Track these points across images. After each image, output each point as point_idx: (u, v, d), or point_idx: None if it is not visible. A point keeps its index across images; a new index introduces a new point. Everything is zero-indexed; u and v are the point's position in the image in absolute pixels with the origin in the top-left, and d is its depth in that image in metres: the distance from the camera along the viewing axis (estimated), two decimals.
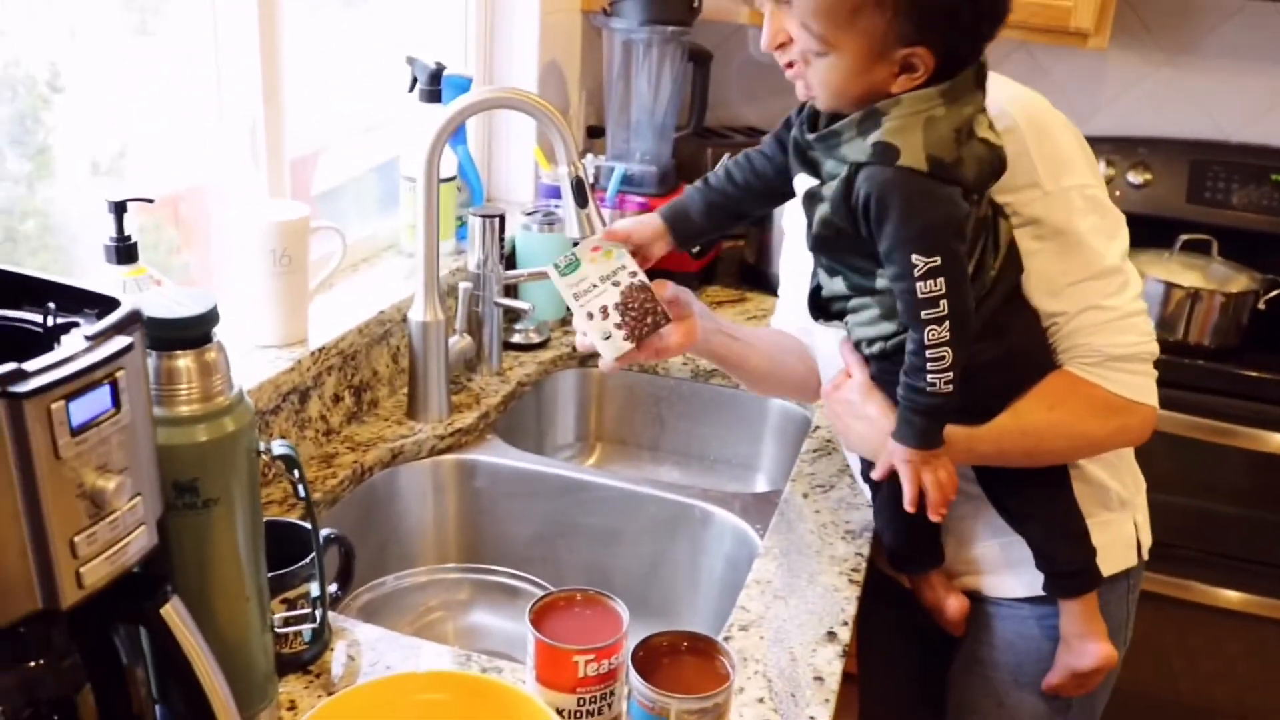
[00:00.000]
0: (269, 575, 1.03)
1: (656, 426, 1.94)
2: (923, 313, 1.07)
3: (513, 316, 1.85)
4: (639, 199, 2.00)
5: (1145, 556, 1.41)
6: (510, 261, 1.91)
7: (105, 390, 0.72)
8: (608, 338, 1.22)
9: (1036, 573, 1.31)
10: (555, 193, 1.98)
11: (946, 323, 1.07)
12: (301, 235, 1.41)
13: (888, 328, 1.17)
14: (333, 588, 1.19)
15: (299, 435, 1.45)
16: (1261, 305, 2.13)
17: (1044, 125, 1.18)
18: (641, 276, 1.24)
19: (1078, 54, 2.33)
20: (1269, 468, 2.10)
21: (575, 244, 1.29)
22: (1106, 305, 1.19)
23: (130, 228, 1.20)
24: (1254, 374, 2.09)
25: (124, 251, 1.18)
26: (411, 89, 1.81)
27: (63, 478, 0.70)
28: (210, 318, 0.87)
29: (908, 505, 1.19)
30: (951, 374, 1.09)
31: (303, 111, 1.65)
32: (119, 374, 0.73)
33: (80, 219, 1.31)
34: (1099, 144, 2.45)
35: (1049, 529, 1.28)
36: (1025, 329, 1.21)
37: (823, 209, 1.11)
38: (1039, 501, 1.26)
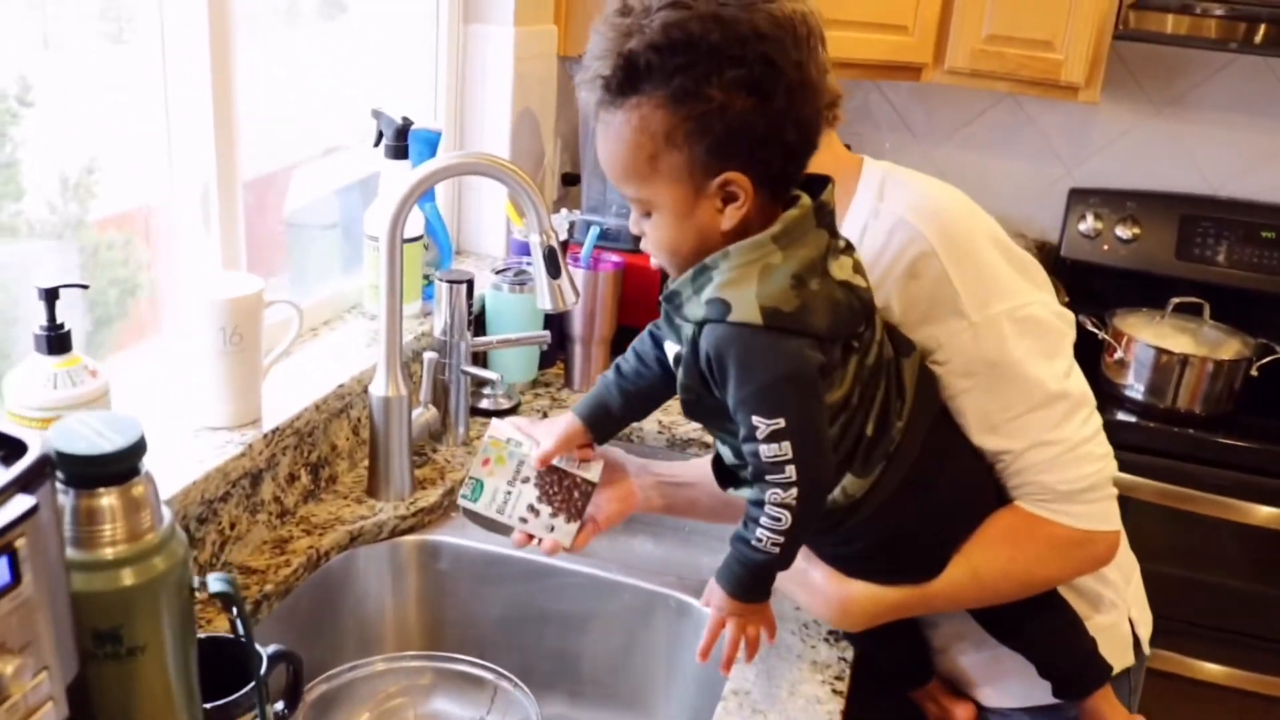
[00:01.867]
0: (208, 707, 0.95)
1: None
2: (768, 476, 0.99)
3: (481, 381, 1.77)
4: (615, 255, 1.93)
5: (1146, 651, 1.34)
6: (479, 324, 1.83)
7: (2, 563, 0.64)
8: (553, 530, 1.18)
9: (1029, 681, 1.24)
10: (527, 249, 1.89)
11: (794, 489, 0.98)
12: (254, 312, 1.32)
13: None
14: (279, 706, 1.11)
15: (250, 520, 1.37)
16: (1254, 372, 2.08)
17: (963, 244, 1.09)
18: (538, 470, 1.19)
19: (1066, 104, 2.27)
20: (1259, 540, 2.05)
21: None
22: (1054, 439, 1.10)
23: (62, 314, 1.11)
24: (1245, 444, 2.04)
25: (55, 341, 1.10)
26: (377, 144, 1.73)
27: None
28: (136, 450, 0.79)
29: (698, 655, 1.13)
30: (784, 539, 1.01)
31: (262, 130, 1.58)
32: (19, 542, 0.65)
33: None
34: (1088, 196, 2.40)
35: (1041, 637, 1.22)
36: (958, 473, 1.13)
37: (681, 372, 1.04)
38: (1026, 616, 1.19)
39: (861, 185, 1.16)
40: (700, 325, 0.99)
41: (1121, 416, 2.07)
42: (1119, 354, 2.11)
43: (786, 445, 0.96)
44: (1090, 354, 2.19)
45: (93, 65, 1.36)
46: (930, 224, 1.09)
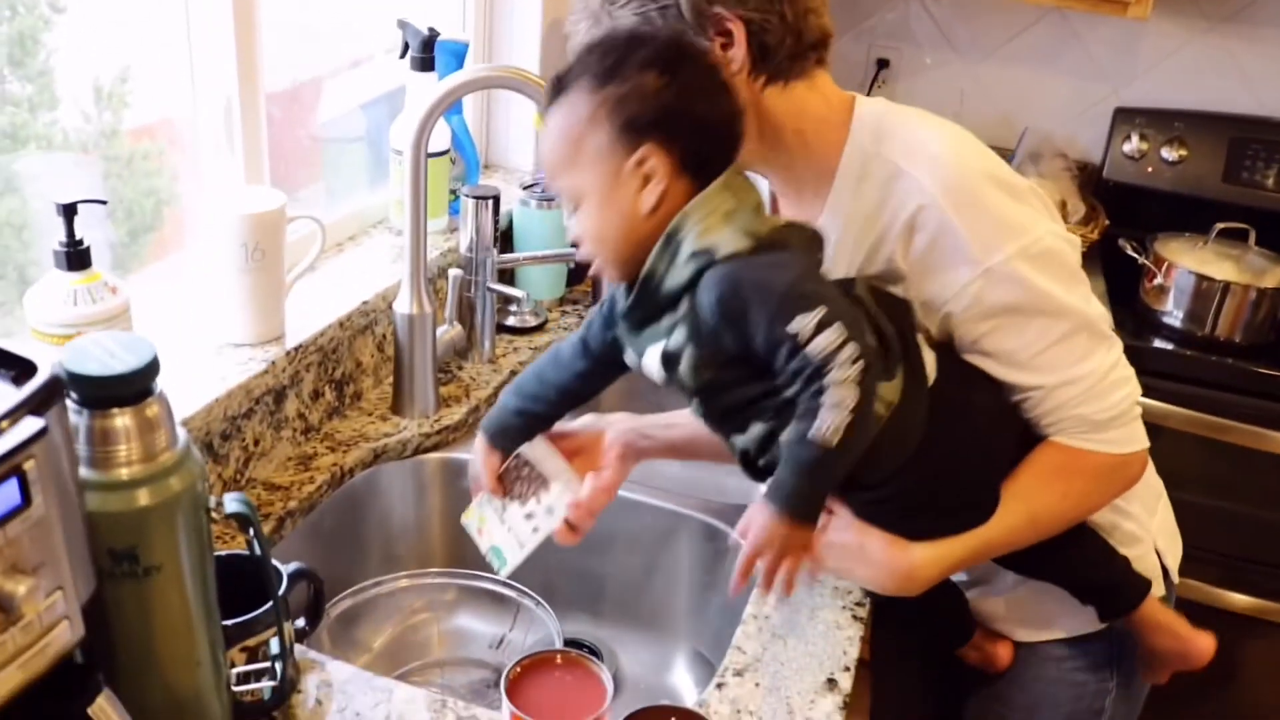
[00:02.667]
0: (227, 624, 0.95)
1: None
2: (828, 370, 0.91)
3: (507, 298, 1.75)
4: None
5: (1175, 579, 1.33)
6: (506, 240, 1.81)
7: (12, 485, 0.63)
8: (551, 510, 1.16)
9: (1063, 612, 1.25)
10: None
11: (859, 363, 0.91)
12: (276, 228, 1.31)
13: None
14: (300, 622, 1.11)
15: (275, 436, 1.37)
16: None
17: (965, 189, 1.05)
18: (510, 505, 1.18)
19: (1114, 19, 2.19)
20: None
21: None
22: (1084, 373, 1.08)
23: (83, 223, 1.10)
24: None
25: (75, 257, 1.09)
26: (403, 55, 1.69)
27: None
28: (149, 370, 0.78)
29: (731, 589, 1.06)
30: (851, 420, 0.92)
31: (285, 40, 1.56)
32: (28, 464, 0.64)
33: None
34: (1133, 115, 2.33)
35: (1074, 565, 1.20)
36: (986, 403, 1.11)
37: (689, 356, 0.99)
38: (1056, 549, 1.17)
39: (854, 128, 1.11)
40: (693, 283, 0.96)
41: (1158, 344, 2.03)
42: (1158, 279, 2.05)
43: (838, 327, 0.91)
44: (1129, 279, 2.14)
45: None
46: (928, 172, 1.05)
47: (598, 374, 1.15)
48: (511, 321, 1.78)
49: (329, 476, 1.38)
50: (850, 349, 0.91)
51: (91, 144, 1.34)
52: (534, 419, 1.17)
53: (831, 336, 0.91)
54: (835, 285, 1.02)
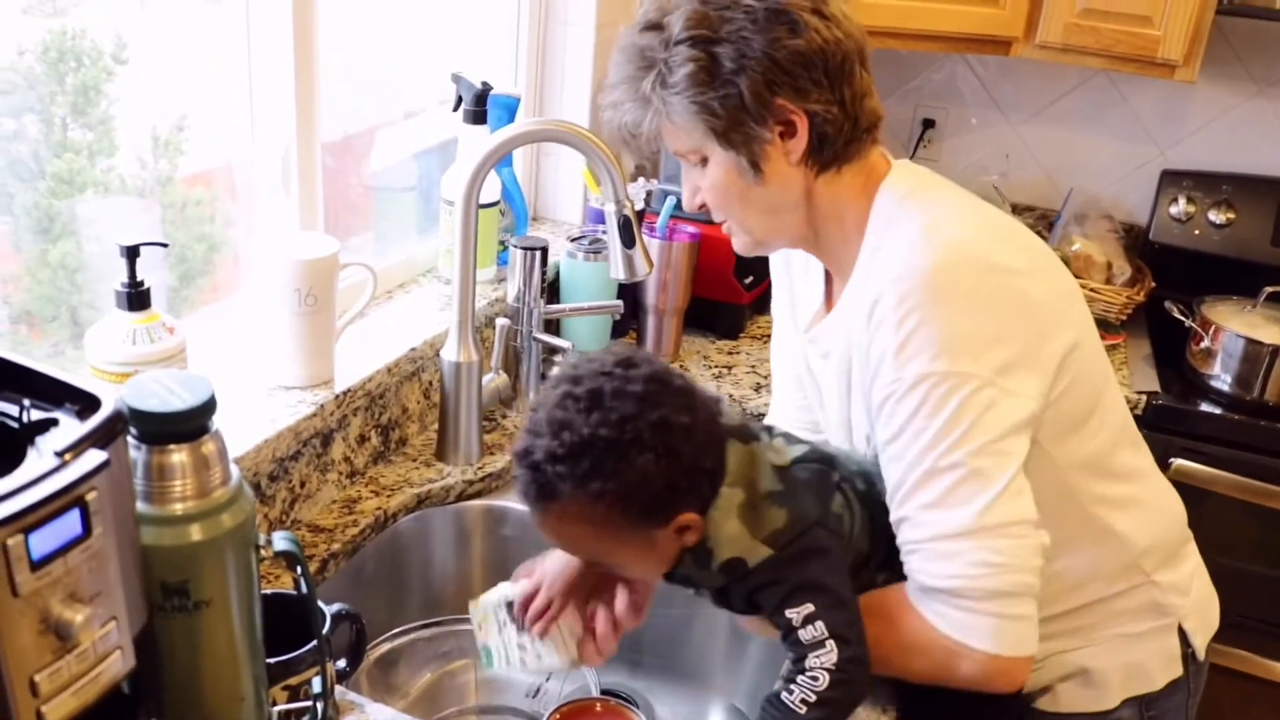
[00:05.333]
0: (271, 661, 0.97)
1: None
2: (807, 656, 1.02)
3: (553, 349, 1.77)
4: (691, 227, 1.91)
5: (1201, 657, 1.27)
6: (553, 291, 1.83)
7: (74, 515, 0.65)
8: (540, 658, 1.16)
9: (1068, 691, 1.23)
10: (603, 218, 1.89)
11: (829, 659, 1.01)
12: (329, 274, 1.34)
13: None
14: (341, 663, 1.12)
15: (321, 479, 1.39)
16: None
17: (936, 297, 1.02)
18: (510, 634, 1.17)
19: (1161, 82, 2.20)
20: None
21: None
22: (931, 522, 1.03)
23: (149, 270, 1.13)
24: None
25: (135, 298, 1.12)
26: (456, 108, 1.73)
27: (21, 615, 0.63)
28: (207, 408, 0.80)
29: None
30: (815, 701, 1.00)
31: (342, 92, 1.60)
32: (90, 495, 0.66)
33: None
34: (1180, 178, 2.32)
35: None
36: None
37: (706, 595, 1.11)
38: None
39: (871, 216, 1.12)
40: (723, 590, 1.07)
41: (1205, 407, 2.00)
42: (1205, 343, 2.04)
43: (819, 626, 1.01)
44: (1175, 342, 2.12)
45: (186, 24, 1.39)
46: (905, 264, 1.03)
47: None
48: (556, 372, 1.79)
49: (372, 520, 1.39)
50: (830, 646, 1.00)
51: (147, 190, 1.38)
52: None
53: (813, 633, 1.01)
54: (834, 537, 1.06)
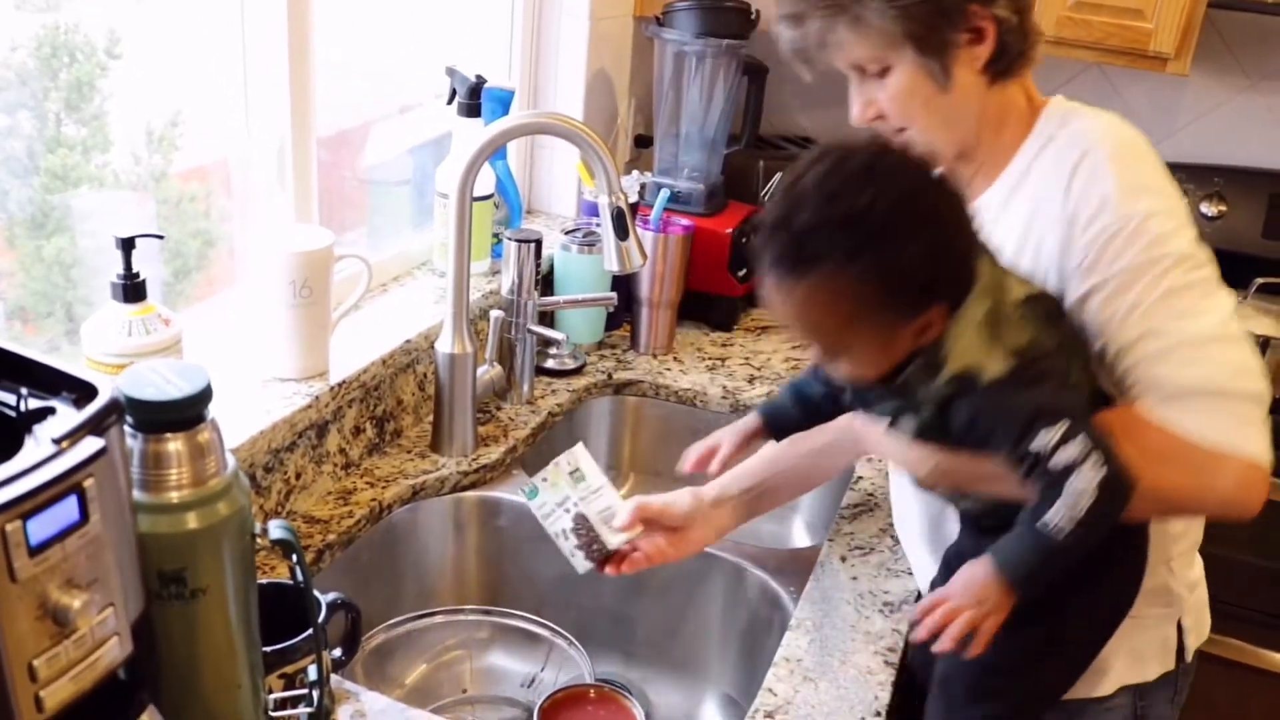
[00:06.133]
0: (267, 650, 0.97)
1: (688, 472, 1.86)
2: (1068, 477, 0.95)
3: (547, 340, 1.78)
4: (684, 219, 1.92)
5: (1189, 658, 1.28)
6: (548, 283, 1.84)
7: (71, 501, 0.65)
8: (573, 555, 1.25)
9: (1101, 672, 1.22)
10: (597, 210, 1.90)
11: (1099, 474, 0.95)
12: (324, 266, 1.34)
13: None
14: (336, 652, 1.13)
15: (316, 470, 1.39)
16: None
17: (1129, 152, 1.08)
18: (581, 508, 1.24)
19: (1153, 75, 2.20)
20: None
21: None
22: (1174, 330, 1.02)
23: (143, 265, 1.14)
24: None
25: (131, 289, 1.12)
26: (450, 101, 1.74)
27: (19, 600, 0.64)
28: (203, 397, 0.81)
29: (919, 631, 1.03)
30: (1082, 519, 0.95)
31: (337, 86, 1.60)
32: (87, 482, 0.66)
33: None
34: (1173, 170, 2.31)
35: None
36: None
37: (918, 438, 1.05)
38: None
39: (1043, 118, 1.16)
40: (945, 402, 1.00)
41: None
42: None
43: (1082, 440, 0.95)
44: None
45: (180, 18, 1.39)
46: (1101, 139, 1.08)
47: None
48: (551, 364, 1.81)
49: (368, 511, 1.40)
50: (1094, 460, 0.94)
51: (141, 185, 1.38)
52: (810, 414, 1.24)
53: (1073, 451, 0.94)
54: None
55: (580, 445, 1.27)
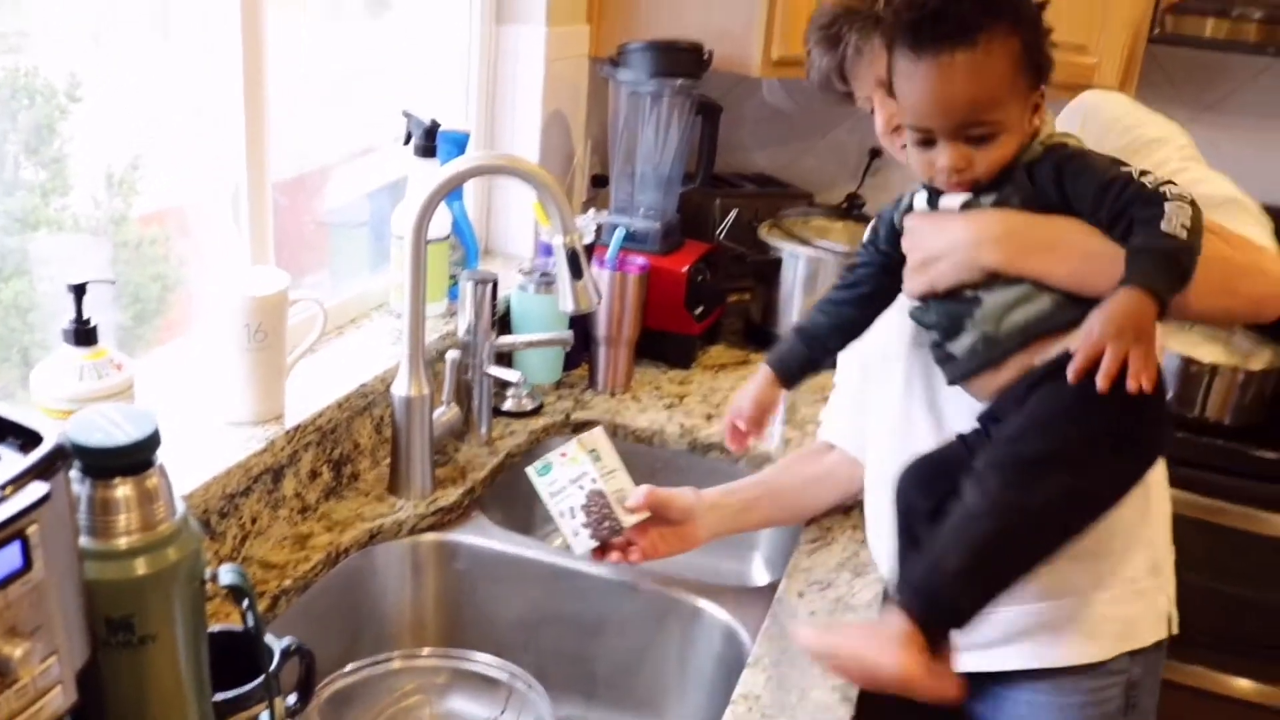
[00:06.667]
0: (218, 698, 0.96)
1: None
2: (1163, 192, 1.01)
3: (504, 382, 1.78)
4: (640, 258, 1.94)
5: (1175, 629, 1.31)
6: (505, 324, 1.84)
7: (14, 548, 0.65)
8: (576, 534, 1.32)
9: (1047, 642, 1.25)
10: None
11: (1187, 197, 1.00)
12: (279, 309, 1.34)
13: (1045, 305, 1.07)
14: (291, 699, 1.12)
15: (272, 515, 1.38)
16: None
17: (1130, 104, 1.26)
18: (599, 485, 1.31)
19: None
20: None
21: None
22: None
23: (91, 305, 1.13)
24: (1275, 455, 2.00)
25: (83, 334, 1.12)
26: (406, 143, 1.75)
27: None
28: (151, 442, 0.81)
29: (1071, 374, 0.99)
30: (1190, 224, 0.98)
31: (295, 130, 1.61)
32: (31, 529, 0.66)
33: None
34: None
35: None
36: None
37: (999, 198, 1.10)
38: None
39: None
40: (1033, 165, 1.07)
41: None
42: None
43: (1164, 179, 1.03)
44: None
45: (140, 62, 1.39)
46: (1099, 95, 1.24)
47: (880, 281, 1.24)
48: (509, 406, 1.81)
49: (324, 555, 1.39)
50: (1175, 185, 1.01)
51: (101, 229, 1.38)
52: (815, 346, 1.27)
53: (1157, 176, 1.03)
54: None
55: (600, 428, 1.36)
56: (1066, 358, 1.00)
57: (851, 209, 2.37)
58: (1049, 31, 1.07)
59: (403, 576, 1.51)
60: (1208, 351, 2.07)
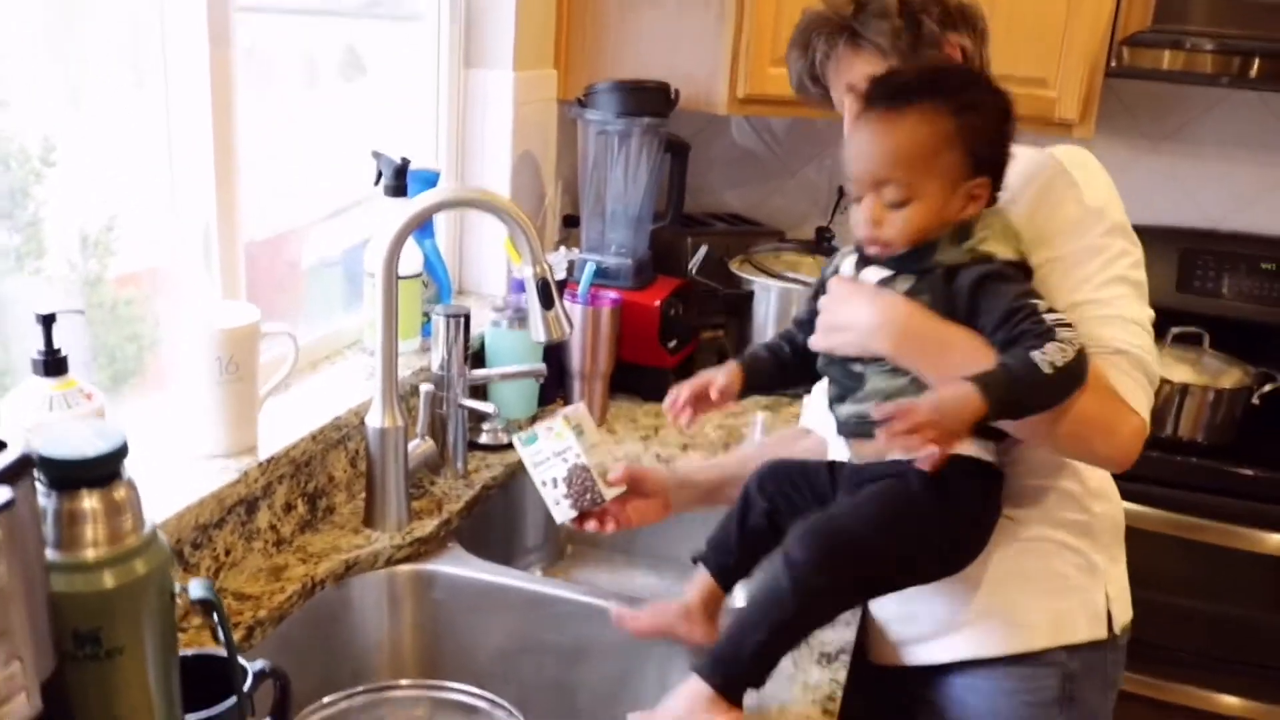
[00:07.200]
0: (189, 718, 0.95)
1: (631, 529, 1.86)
2: (1056, 332, 1.07)
3: (480, 416, 1.78)
4: (613, 293, 1.95)
5: (1118, 632, 1.34)
6: (478, 358, 1.85)
7: None
8: (557, 504, 1.39)
9: (980, 633, 1.31)
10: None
11: (1078, 343, 1.07)
12: (250, 342, 1.35)
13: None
14: None
15: (246, 547, 1.38)
16: (1256, 400, 2.07)
17: (1090, 169, 1.26)
18: (583, 459, 1.36)
19: (1061, 140, 2.29)
20: (1267, 568, 2.02)
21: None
22: (1107, 298, 1.17)
23: (61, 339, 1.14)
24: (1249, 471, 2.02)
25: (52, 365, 1.12)
26: (377, 183, 1.77)
27: None
28: (118, 454, 0.81)
29: (878, 412, 1.06)
30: (1066, 364, 1.05)
31: (272, 191, 1.62)
32: None
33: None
34: None
35: None
36: None
37: (913, 287, 1.15)
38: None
39: None
40: (955, 267, 1.13)
41: None
42: None
43: (1069, 325, 1.09)
44: None
45: (115, 124, 1.40)
46: (1066, 157, 1.24)
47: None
48: (485, 439, 1.81)
49: (300, 586, 1.38)
50: (1072, 329, 1.08)
51: (76, 292, 1.38)
52: (776, 357, 1.34)
53: (1060, 315, 1.09)
54: None
55: (583, 404, 1.43)
56: (908, 464, 1.13)
57: (821, 243, 2.40)
58: (1005, 129, 1.15)
59: (380, 607, 1.50)
60: (1178, 372, 2.09)
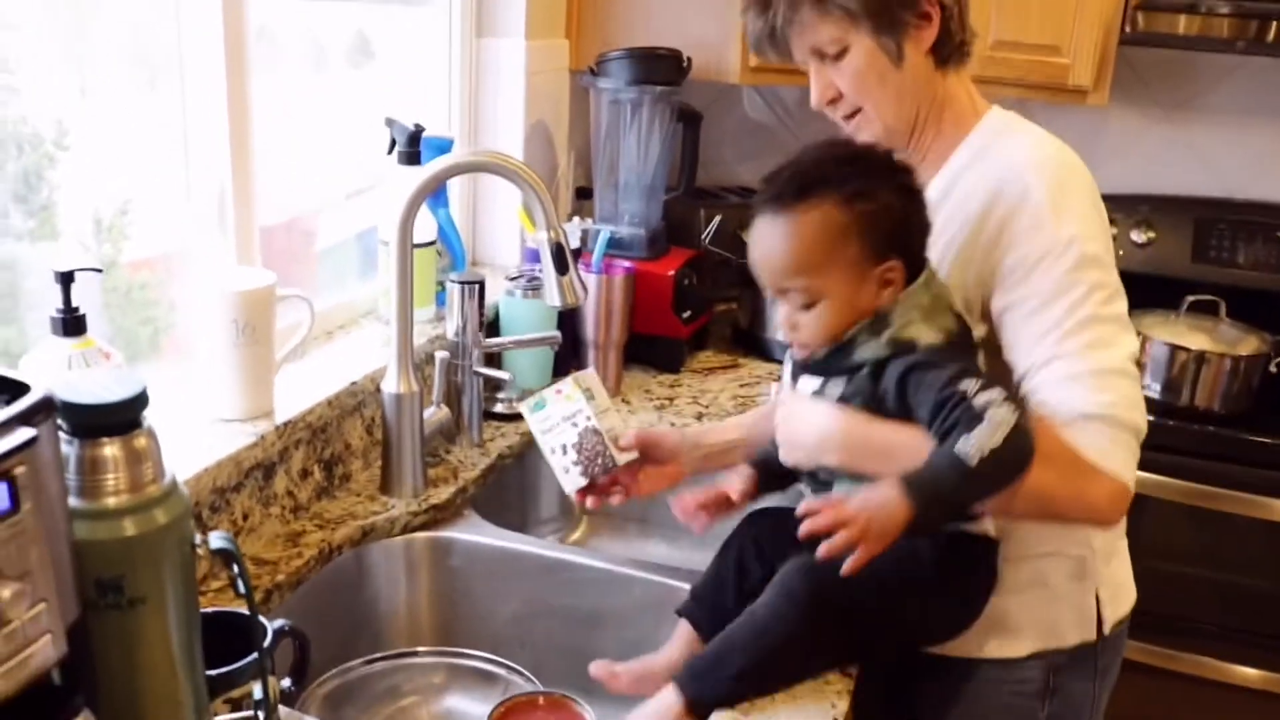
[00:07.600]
0: (211, 674, 0.95)
1: (645, 498, 1.85)
2: (987, 409, 1.02)
3: (495, 385, 1.78)
4: (626, 262, 1.95)
5: (1109, 631, 1.32)
6: (493, 328, 1.85)
7: (1, 489, 0.65)
8: (566, 471, 1.34)
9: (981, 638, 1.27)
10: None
11: (1014, 414, 1.02)
12: (265, 305, 1.34)
13: None
14: (286, 682, 1.11)
15: (264, 513, 1.38)
16: (1273, 368, 2.06)
17: (1058, 180, 1.17)
18: (594, 422, 1.32)
19: (1077, 110, 2.28)
20: None
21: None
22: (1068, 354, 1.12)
23: (80, 298, 1.14)
24: (1266, 439, 2.01)
25: (71, 324, 1.12)
26: (390, 151, 1.76)
27: None
28: (139, 402, 0.81)
29: (804, 530, 1.04)
30: (997, 445, 1.00)
31: (285, 175, 1.62)
32: (18, 470, 0.66)
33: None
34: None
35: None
36: None
37: (845, 401, 1.13)
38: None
39: (984, 122, 1.27)
40: (881, 362, 1.09)
41: None
42: None
43: (998, 389, 1.03)
44: None
45: (127, 111, 1.40)
46: (1039, 175, 1.17)
47: None
48: (499, 408, 1.81)
49: (317, 552, 1.38)
50: (1008, 406, 1.02)
51: (90, 275, 1.37)
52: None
53: (993, 394, 1.03)
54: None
55: (592, 369, 1.40)
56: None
57: None
58: (910, 206, 1.12)
59: (396, 574, 1.50)
60: (1194, 340, 2.08)
